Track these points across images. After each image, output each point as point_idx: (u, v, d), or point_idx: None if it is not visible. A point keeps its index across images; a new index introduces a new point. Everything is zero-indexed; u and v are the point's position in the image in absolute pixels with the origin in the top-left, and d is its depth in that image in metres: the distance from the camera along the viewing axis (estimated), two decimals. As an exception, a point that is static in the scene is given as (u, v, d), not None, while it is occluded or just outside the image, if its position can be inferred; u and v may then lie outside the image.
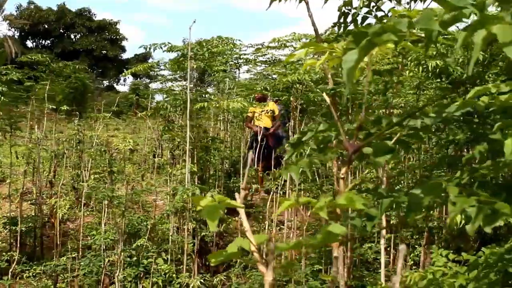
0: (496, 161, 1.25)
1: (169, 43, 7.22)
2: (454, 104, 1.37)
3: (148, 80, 49.94)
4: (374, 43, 1.07)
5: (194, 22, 5.63)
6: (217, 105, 5.54)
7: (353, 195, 1.04)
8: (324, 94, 1.65)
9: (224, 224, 7.13)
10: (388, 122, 1.36)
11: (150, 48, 7.27)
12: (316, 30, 2.80)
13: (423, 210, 1.16)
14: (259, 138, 7.56)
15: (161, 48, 7.31)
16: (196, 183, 5.73)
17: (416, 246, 6.73)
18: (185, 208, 6.24)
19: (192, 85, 9.68)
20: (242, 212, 1.09)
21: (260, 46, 6.39)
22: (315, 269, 5.75)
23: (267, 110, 8.92)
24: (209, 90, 12.58)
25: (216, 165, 8.42)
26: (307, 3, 2.76)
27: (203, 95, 7.60)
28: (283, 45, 6.11)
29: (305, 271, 5.61)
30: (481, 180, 1.29)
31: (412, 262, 6.77)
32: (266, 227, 6.91)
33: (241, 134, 11.58)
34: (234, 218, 7.89)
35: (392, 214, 6.98)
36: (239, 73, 9.74)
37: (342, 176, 1.28)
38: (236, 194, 1.13)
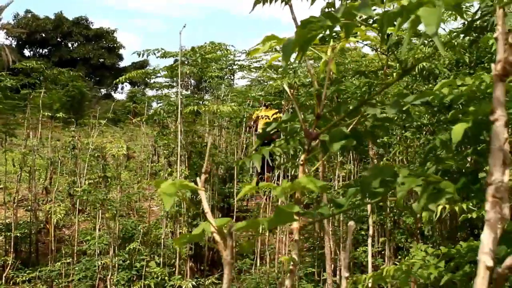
0: (460, 151, 1.30)
1: (162, 49, 7.27)
2: (413, 95, 1.42)
3: (145, 88, 50.04)
4: (309, 29, 1.13)
5: (184, 26, 5.69)
6: (207, 108, 5.58)
7: (309, 178, 1.09)
8: (285, 86, 1.69)
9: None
10: (346, 110, 1.41)
11: (144, 54, 7.32)
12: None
13: (376, 194, 1.21)
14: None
15: (155, 54, 7.35)
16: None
17: (410, 249, 6.77)
18: (179, 213, 6.28)
19: (189, 92, 9.73)
20: (202, 194, 1.13)
21: (252, 51, 6.42)
22: (308, 272, 5.79)
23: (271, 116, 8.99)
24: (206, 97, 12.62)
25: (211, 170, 8.46)
26: (290, 6, 2.81)
27: (197, 101, 7.63)
28: (274, 49, 6.13)
29: (298, 274, 5.64)
30: (446, 169, 1.34)
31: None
32: (260, 231, 6.94)
33: (236, 140, 11.62)
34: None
35: (384, 218, 7.03)
36: (233, 79, 9.76)
37: (301, 163, 1.32)
38: (198, 178, 1.17)
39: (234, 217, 7.69)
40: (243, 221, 1.05)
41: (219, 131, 9.25)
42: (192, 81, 16.66)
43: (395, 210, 7.05)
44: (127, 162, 13.70)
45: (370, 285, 1.98)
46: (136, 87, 47.14)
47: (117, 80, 8.00)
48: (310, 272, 5.84)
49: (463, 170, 1.38)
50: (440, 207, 2.22)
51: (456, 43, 4.18)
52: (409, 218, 6.97)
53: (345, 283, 1.16)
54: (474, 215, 2.21)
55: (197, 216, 6.81)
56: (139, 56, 7.39)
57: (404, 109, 1.41)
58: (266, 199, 6.83)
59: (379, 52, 3.93)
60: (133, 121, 9.17)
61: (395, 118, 1.55)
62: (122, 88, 59.29)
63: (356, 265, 6.66)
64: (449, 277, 1.83)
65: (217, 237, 1.04)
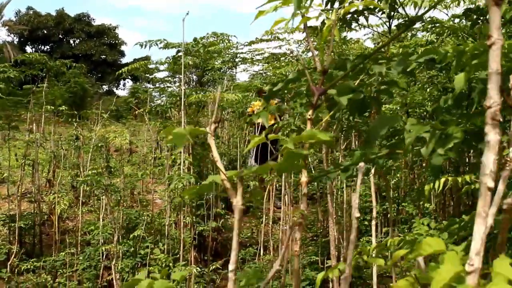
0: (466, 113, 1.31)
1: (164, 39, 7.28)
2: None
3: (147, 85, 50.06)
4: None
5: (187, 14, 5.69)
6: (212, 97, 5.59)
7: (317, 131, 1.09)
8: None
9: (222, 219, 7.19)
10: (352, 65, 1.42)
11: (146, 45, 7.32)
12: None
13: (380, 139, 1.21)
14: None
15: (157, 44, 7.35)
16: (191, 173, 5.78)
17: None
18: (182, 203, 6.29)
19: (191, 86, 9.74)
20: (211, 141, 1.13)
21: (254, 40, 6.45)
22: (312, 260, 5.81)
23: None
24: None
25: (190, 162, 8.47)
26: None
27: (199, 91, 7.62)
28: (276, 38, 6.16)
29: (301, 262, 5.66)
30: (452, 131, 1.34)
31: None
32: (263, 223, 6.97)
33: (239, 133, 11.64)
34: (232, 215, 7.95)
35: (388, 208, 7.04)
36: (235, 72, 9.76)
37: (309, 117, 1.33)
38: (208, 127, 1.18)
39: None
40: (254, 167, 1.06)
41: (222, 123, 9.24)
42: (194, 77, 16.62)
43: (398, 200, 7.07)
44: (129, 156, 13.72)
45: (374, 255, 1.99)
46: (138, 83, 47.21)
47: (120, 72, 7.99)
48: (314, 261, 5.85)
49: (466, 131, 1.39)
50: (442, 180, 2.23)
51: (458, 27, 4.19)
52: (410, 206, 7.00)
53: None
54: (478, 186, 2.21)
55: (201, 207, 6.83)
56: (142, 47, 7.38)
57: (408, 70, 1.42)
58: (270, 188, 6.84)
59: (380, 34, 3.94)
60: (136, 112, 9.13)
61: (400, 79, 1.55)
62: (124, 85, 59.31)
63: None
64: (452, 248, 1.83)
65: (227, 184, 1.04)
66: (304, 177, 1.19)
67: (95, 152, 8.19)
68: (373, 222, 3.18)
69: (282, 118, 9.29)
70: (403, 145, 1.18)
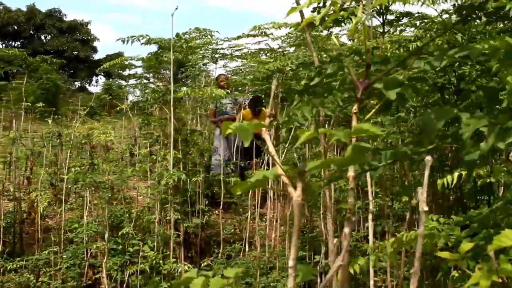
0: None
1: (147, 35, 7.21)
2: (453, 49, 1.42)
3: (121, 81, 49.63)
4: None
5: (177, 9, 5.64)
6: (201, 92, 5.54)
7: (369, 125, 1.07)
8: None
9: (206, 216, 7.15)
10: (397, 60, 1.40)
11: (128, 41, 7.24)
12: None
13: (436, 135, 1.20)
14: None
15: (139, 40, 7.28)
16: (181, 170, 5.73)
17: (396, 234, 6.81)
18: (167, 200, 6.24)
19: (166, 83, 9.65)
20: (267, 137, 1.10)
21: (241, 35, 6.41)
22: (299, 255, 5.80)
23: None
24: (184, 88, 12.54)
25: (195, 158, 8.42)
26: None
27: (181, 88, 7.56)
28: (263, 33, 6.13)
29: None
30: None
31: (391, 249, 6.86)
32: (249, 219, 6.94)
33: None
34: (214, 211, 7.91)
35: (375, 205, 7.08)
36: (216, 67, 9.72)
37: (355, 111, 1.31)
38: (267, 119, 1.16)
39: (222, 203, 7.67)
40: (316, 161, 1.03)
41: (203, 119, 9.20)
42: (168, 72, 16.59)
43: (379, 195, 7.10)
44: (106, 153, 13.56)
45: (392, 249, 1.99)
46: (111, 79, 46.82)
47: (100, 68, 7.88)
48: (302, 256, 5.86)
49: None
50: (456, 174, 2.23)
51: (449, 23, 4.20)
52: (396, 203, 7.03)
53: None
54: (493, 179, 2.23)
55: (184, 203, 6.78)
56: (124, 42, 7.30)
57: (442, 65, 1.41)
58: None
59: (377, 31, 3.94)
60: (118, 108, 9.02)
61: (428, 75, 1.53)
62: (96, 81, 58.78)
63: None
64: (468, 241, 1.84)
65: (284, 179, 1.02)
66: (351, 172, 1.17)
67: (73, 149, 8.09)
68: (370, 217, 3.19)
69: (257, 112, 9.28)
70: (453, 139, 1.17)
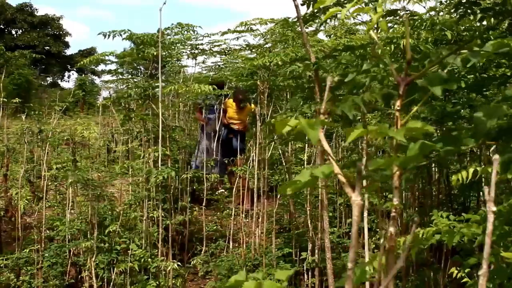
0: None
1: (129, 30, 7.12)
2: (489, 43, 1.40)
3: (93, 77, 49.21)
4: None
5: (165, 3, 5.57)
6: (187, 88, 5.48)
7: (421, 122, 1.05)
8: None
9: (189, 212, 7.10)
10: (438, 56, 1.39)
11: (109, 36, 7.14)
12: None
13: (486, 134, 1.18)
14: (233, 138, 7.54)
15: (121, 35, 7.19)
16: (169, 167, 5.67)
17: (378, 230, 6.83)
18: (150, 197, 6.17)
19: (142, 78, 9.55)
20: (322, 136, 1.07)
21: (227, 30, 6.36)
22: (285, 252, 5.80)
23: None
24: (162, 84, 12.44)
25: (175, 154, 8.36)
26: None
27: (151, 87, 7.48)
28: (249, 29, 6.10)
29: (276, 254, 5.64)
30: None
31: (374, 245, 6.89)
32: (233, 216, 6.92)
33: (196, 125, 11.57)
34: (195, 208, 7.85)
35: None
36: (196, 63, 9.63)
37: (398, 108, 1.29)
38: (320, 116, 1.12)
39: (205, 200, 7.63)
40: (376, 159, 1.01)
41: (185, 115, 9.13)
42: (142, 68, 16.44)
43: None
44: (84, 150, 13.40)
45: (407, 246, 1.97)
46: (83, 75, 46.33)
47: (82, 63, 7.74)
48: (288, 253, 5.85)
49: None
50: (471, 170, 2.23)
51: (438, 20, 4.23)
52: (375, 198, 7.06)
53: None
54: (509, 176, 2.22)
55: (166, 201, 6.72)
56: (105, 37, 7.19)
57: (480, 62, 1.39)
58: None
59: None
60: (100, 103, 8.90)
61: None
62: (68, 77, 58.06)
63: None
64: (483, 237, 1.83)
65: (342, 178, 0.99)
66: (396, 169, 1.14)
67: (54, 146, 7.96)
68: (365, 214, 3.19)
69: (242, 106, 9.25)
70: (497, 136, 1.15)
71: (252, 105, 8.82)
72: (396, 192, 1.19)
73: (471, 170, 2.20)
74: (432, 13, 4.68)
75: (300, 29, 3.35)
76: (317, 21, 4.43)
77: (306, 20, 3.34)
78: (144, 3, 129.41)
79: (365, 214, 3.23)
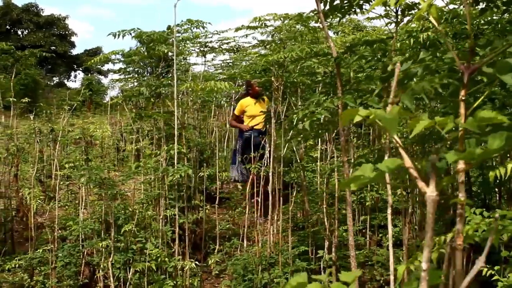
0: None
1: (138, 28, 7.07)
2: None
3: (100, 76, 49.30)
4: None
5: (178, -1, 5.51)
6: (203, 86, 5.42)
7: (496, 113, 0.99)
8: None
9: (201, 211, 7.05)
10: (504, 43, 1.33)
11: (119, 35, 7.09)
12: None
13: None
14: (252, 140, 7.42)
15: (130, 34, 7.15)
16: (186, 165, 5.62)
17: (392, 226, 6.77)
18: (160, 196, 6.13)
19: (151, 76, 9.52)
20: (396, 138, 1.00)
21: (241, 26, 6.30)
22: (301, 250, 5.74)
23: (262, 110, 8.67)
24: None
25: (186, 153, 8.32)
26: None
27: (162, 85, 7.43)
28: (263, 24, 6.03)
29: (292, 252, 5.58)
30: None
31: (388, 243, 6.83)
32: (246, 214, 6.86)
33: (210, 124, 11.54)
34: (207, 207, 7.81)
35: (366, 196, 7.04)
36: (205, 61, 9.57)
37: (463, 98, 1.23)
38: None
39: (217, 198, 7.58)
40: (455, 153, 0.94)
41: (196, 113, 9.08)
42: (149, 68, 16.47)
43: (375, 188, 7.06)
44: (90, 149, 13.39)
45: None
46: (90, 74, 46.39)
47: (90, 63, 7.70)
48: (303, 251, 5.78)
49: None
50: (510, 166, 2.17)
51: (461, 13, 4.17)
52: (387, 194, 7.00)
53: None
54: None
55: (180, 199, 6.67)
56: (115, 37, 7.15)
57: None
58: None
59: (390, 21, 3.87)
60: (111, 102, 8.86)
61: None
62: (75, 76, 58.21)
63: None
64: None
65: (413, 173, 0.93)
66: (461, 164, 1.08)
67: (66, 145, 7.93)
68: (389, 211, 3.12)
69: (260, 98, 9.10)
70: None
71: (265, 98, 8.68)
72: (461, 187, 1.13)
73: (510, 166, 2.13)
74: (451, 6, 4.61)
75: (320, 24, 3.29)
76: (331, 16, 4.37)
77: (327, 14, 3.27)
78: (144, 2, 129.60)
79: (389, 211, 3.16)
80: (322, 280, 1.02)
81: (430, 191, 0.88)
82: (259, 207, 6.71)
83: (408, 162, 0.93)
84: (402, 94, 1.43)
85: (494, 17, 4.37)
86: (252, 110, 8.67)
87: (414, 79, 1.58)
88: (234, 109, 9.28)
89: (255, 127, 8.61)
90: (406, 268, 1.66)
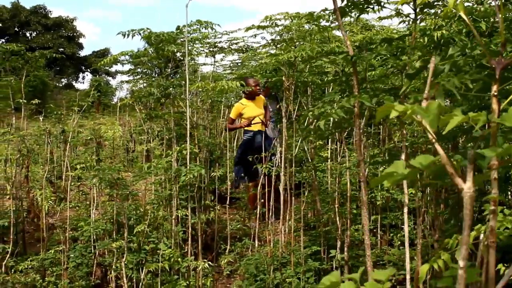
0: None
1: (148, 28, 7.07)
2: None
3: (108, 77, 49.44)
4: None
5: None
6: (213, 85, 5.42)
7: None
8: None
9: (212, 211, 7.04)
10: None
11: (128, 35, 7.10)
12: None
13: None
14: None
15: (140, 34, 7.15)
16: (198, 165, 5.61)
17: (402, 227, 6.74)
18: (172, 196, 6.12)
19: (159, 77, 9.51)
20: (432, 136, 0.99)
21: (251, 26, 6.28)
22: (313, 250, 5.72)
23: (262, 112, 8.62)
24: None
25: (197, 153, 8.32)
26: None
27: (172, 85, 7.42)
28: (274, 24, 6.01)
29: (304, 252, 5.56)
30: None
31: (399, 242, 6.80)
32: (257, 214, 6.85)
33: (219, 124, 11.53)
34: (217, 207, 7.80)
35: (376, 196, 7.01)
36: (214, 61, 9.56)
37: (495, 94, 1.21)
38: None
39: (228, 198, 7.57)
40: (491, 148, 0.93)
41: (206, 113, 9.06)
42: (157, 69, 16.53)
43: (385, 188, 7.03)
44: (100, 149, 13.42)
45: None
46: (98, 76, 46.56)
47: (100, 64, 7.71)
48: (315, 251, 5.76)
49: None
50: None
51: (479, 8, 4.14)
52: (398, 194, 6.97)
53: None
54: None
55: (191, 199, 6.67)
56: (124, 37, 7.15)
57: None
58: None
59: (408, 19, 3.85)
60: (124, 102, 8.86)
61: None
62: (83, 78, 58.42)
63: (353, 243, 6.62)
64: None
65: (450, 169, 0.92)
66: (494, 161, 1.07)
67: (76, 146, 7.95)
68: (405, 210, 3.10)
69: (256, 97, 9.09)
70: None
71: (261, 97, 8.68)
72: (494, 184, 1.11)
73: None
74: (466, 4, 4.57)
75: (333, 22, 3.28)
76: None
77: (344, 11, 3.25)
78: (149, 4, 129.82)
79: (405, 210, 3.14)
80: (356, 280, 1.00)
81: (467, 188, 0.87)
82: (270, 207, 6.69)
83: (444, 158, 0.91)
84: (434, 90, 1.41)
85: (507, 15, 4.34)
86: (250, 112, 8.64)
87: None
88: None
89: (255, 128, 8.59)
90: (429, 267, 1.64)
